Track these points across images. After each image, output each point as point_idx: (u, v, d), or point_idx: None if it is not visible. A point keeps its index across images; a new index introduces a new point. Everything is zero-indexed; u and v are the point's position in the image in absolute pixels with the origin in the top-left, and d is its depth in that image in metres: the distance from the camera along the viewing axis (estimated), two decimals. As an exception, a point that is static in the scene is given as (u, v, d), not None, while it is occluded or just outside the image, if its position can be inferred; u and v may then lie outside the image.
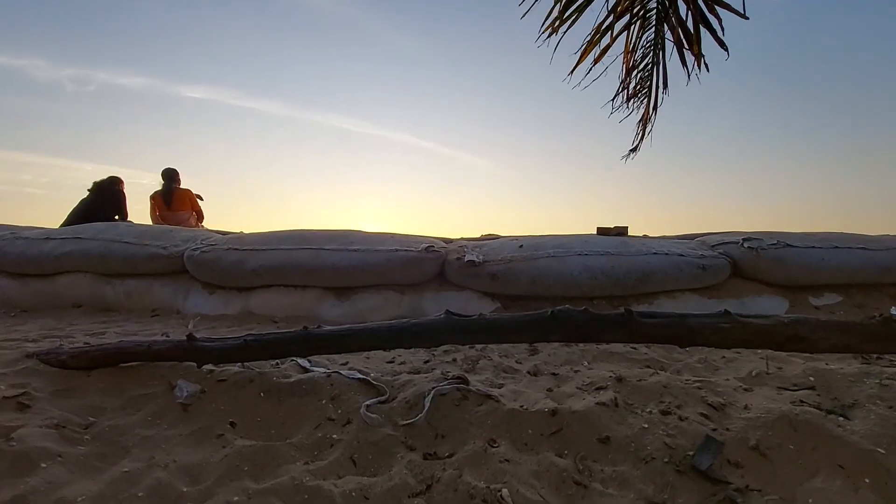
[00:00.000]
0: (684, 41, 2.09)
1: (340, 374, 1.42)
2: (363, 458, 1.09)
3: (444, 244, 2.78)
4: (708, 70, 2.11)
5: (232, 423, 1.23)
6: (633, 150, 2.73)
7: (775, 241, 2.38)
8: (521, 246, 2.49)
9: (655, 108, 2.38)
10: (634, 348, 1.75)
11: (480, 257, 2.37)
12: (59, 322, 2.25)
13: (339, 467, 1.05)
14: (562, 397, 1.32)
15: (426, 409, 1.22)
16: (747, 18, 1.98)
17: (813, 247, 2.35)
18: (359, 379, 1.39)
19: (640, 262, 2.28)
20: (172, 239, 2.76)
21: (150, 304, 2.56)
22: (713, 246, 2.51)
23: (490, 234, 3.80)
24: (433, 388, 1.30)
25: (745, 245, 2.37)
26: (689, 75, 2.17)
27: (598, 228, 2.87)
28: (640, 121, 2.68)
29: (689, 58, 2.13)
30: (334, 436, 1.17)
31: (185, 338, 1.38)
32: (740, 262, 2.38)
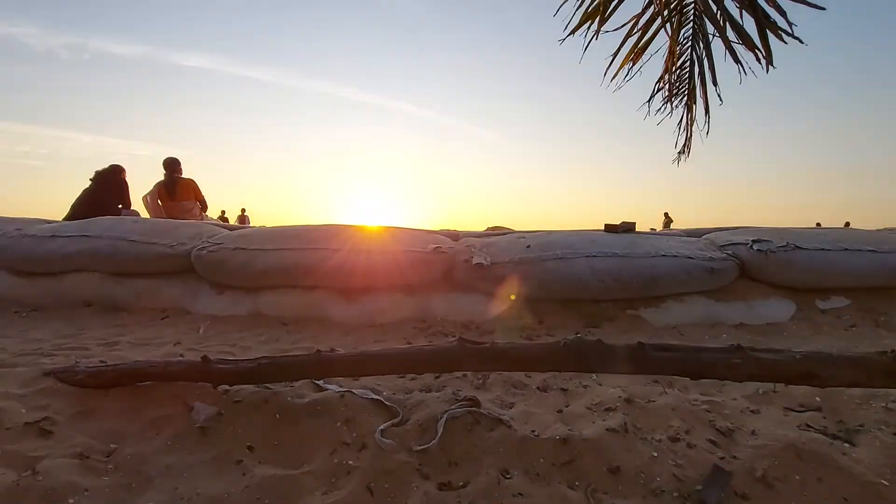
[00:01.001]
0: (738, 37, 1.97)
1: (353, 393, 1.44)
2: (379, 487, 1.12)
3: (452, 241, 2.77)
4: (773, 67, 1.95)
5: (250, 448, 1.26)
6: (682, 152, 2.63)
7: (784, 244, 2.36)
8: (528, 246, 2.48)
9: (707, 108, 2.28)
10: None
11: (488, 259, 2.37)
12: (70, 326, 2.28)
13: (357, 498, 1.08)
14: (572, 419, 1.34)
15: (439, 434, 1.24)
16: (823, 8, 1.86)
17: (822, 249, 2.34)
18: (372, 399, 1.41)
19: (649, 265, 2.28)
20: (178, 236, 2.76)
21: (159, 303, 2.59)
22: (721, 246, 2.50)
23: (496, 227, 3.79)
24: (445, 410, 1.33)
25: (755, 248, 2.36)
26: (744, 72, 2.05)
27: (605, 225, 2.85)
28: (680, 121, 2.58)
29: (745, 54, 2.00)
30: (350, 462, 1.20)
31: (199, 359, 1.40)
32: (748, 263, 2.38)
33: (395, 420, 1.33)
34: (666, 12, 2.11)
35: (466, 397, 1.39)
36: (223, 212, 16.30)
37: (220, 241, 2.67)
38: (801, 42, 1.87)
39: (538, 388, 1.56)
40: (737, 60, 2.05)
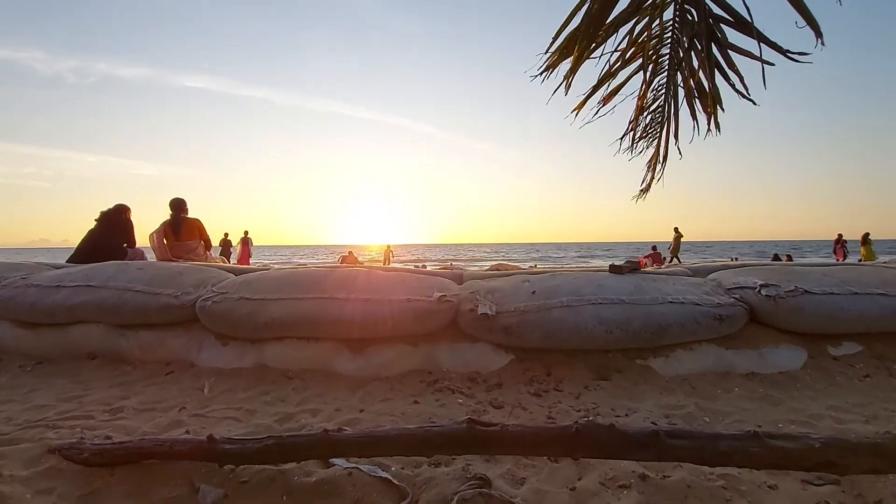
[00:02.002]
0: (696, 94, 2.03)
1: (361, 470, 1.42)
2: (390, 585, 1.09)
3: (456, 285, 2.76)
4: (719, 131, 2.05)
5: (257, 537, 1.23)
6: (644, 190, 2.70)
7: (793, 288, 2.35)
8: (533, 292, 2.47)
9: (665, 155, 2.34)
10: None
11: (493, 308, 2.35)
12: (75, 384, 2.26)
13: None
14: (585, 498, 1.31)
15: (450, 521, 1.22)
16: (773, 64, 1.91)
17: (832, 293, 2.32)
18: (380, 477, 1.39)
19: (656, 313, 2.26)
20: (183, 284, 2.76)
21: (163, 356, 2.57)
22: (728, 289, 2.48)
23: (500, 266, 3.79)
24: (455, 492, 1.30)
25: (763, 293, 2.34)
26: (697, 130, 2.11)
27: (610, 266, 2.83)
28: (649, 161, 2.64)
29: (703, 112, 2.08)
30: (359, 553, 1.17)
31: (205, 438, 1.38)
32: (757, 308, 2.36)
33: (405, 502, 1.30)
34: (640, 60, 2.16)
35: (476, 475, 1.37)
36: (226, 234, 16.53)
37: (224, 289, 2.66)
38: (753, 103, 1.93)
39: (550, 458, 1.53)
40: (694, 117, 2.10)
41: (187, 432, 1.65)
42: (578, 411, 1.87)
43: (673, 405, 1.90)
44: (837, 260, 15.02)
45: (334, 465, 1.44)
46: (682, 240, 16.89)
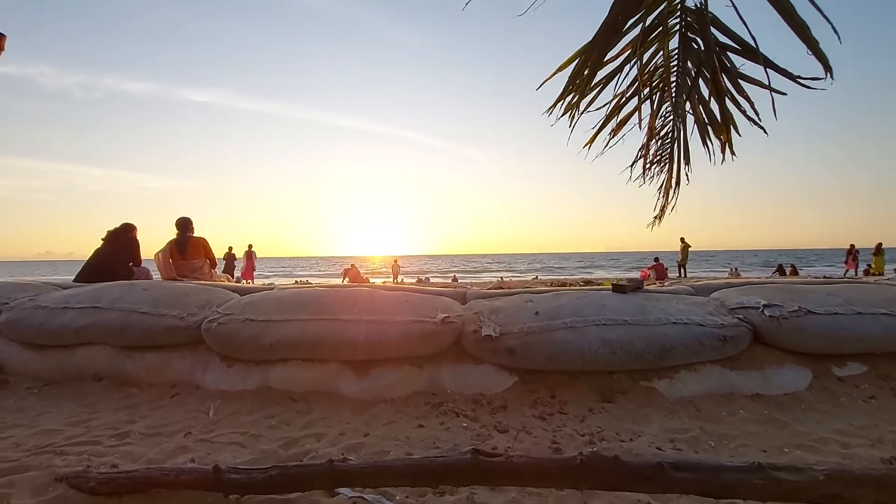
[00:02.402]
0: (707, 120, 2.05)
1: (366, 499, 1.42)
2: None
3: (460, 305, 2.77)
4: (734, 157, 2.06)
5: (262, 569, 1.23)
6: (657, 217, 2.70)
7: (796, 308, 2.35)
8: (537, 313, 2.48)
9: (678, 180, 2.35)
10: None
11: (497, 330, 2.36)
12: (82, 408, 2.28)
13: None
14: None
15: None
16: (784, 94, 1.93)
17: (835, 313, 2.32)
18: (385, 506, 1.39)
19: (660, 334, 2.26)
20: (188, 305, 2.78)
21: (169, 377, 2.59)
22: (732, 309, 2.49)
23: (503, 283, 3.80)
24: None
25: (766, 313, 2.34)
26: (710, 155, 2.13)
27: (613, 285, 2.84)
28: (661, 187, 2.65)
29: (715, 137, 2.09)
30: (364, 586, 1.17)
31: (210, 468, 1.39)
32: (761, 328, 2.36)
33: (410, 533, 1.30)
34: (647, 90, 2.19)
35: (481, 505, 1.37)
36: (230, 248, 16.63)
37: (229, 310, 2.69)
38: (764, 132, 1.94)
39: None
40: (705, 144, 2.12)
41: (193, 460, 1.66)
42: (583, 436, 1.86)
43: (678, 429, 1.90)
44: (848, 270, 15.04)
45: (339, 493, 1.45)
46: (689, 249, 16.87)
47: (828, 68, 1.63)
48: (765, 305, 2.39)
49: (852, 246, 15.27)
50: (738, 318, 2.41)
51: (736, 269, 19.13)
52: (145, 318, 2.68)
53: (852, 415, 2.01)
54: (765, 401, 2.15)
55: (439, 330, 2.41)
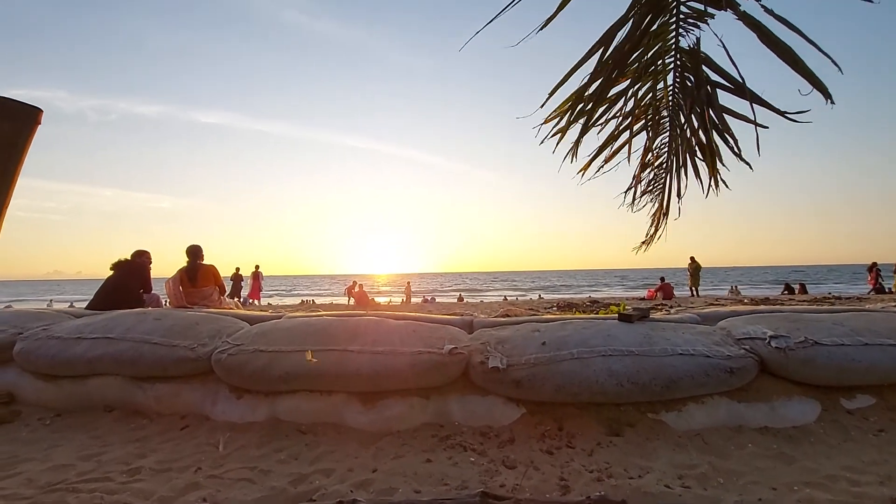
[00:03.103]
0: (700, 156, 2.11)
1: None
2: None
3: (466, 335, 2.80)
4: (726, 187, 2.12)
5: None
6: (645, 242, 2.76)
7: (802, 339, 2.35)
8: (544, 343, 2.50)
9: (667, 211, 2.40)
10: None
11: (504, 361, 2.38)
12: (93, 441, 2.30)
13: None
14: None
15: None
16: (766, 128, 1.99)
17: (842, 344, 2.32)
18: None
19: (666, 365, 2.27)
20: (199, 336, 2.82)
21: (179, 408, 2.61)
22: (738, 339, 2.49)
23: (509, 309, 3.82)
24: (470, 566, 1.31)
25: (773, 345, 2.34)
26: (701, 186, 2.19)
27: (619, 314, 2.86)
28: (653, 214, 2.71)
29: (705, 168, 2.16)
30: None
31: (223, 509, 1.41)
32: (767, 360, 2.36)
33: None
34: (640, 124, 2.26)
35: (490, 547, 1.38)
36: (237, 269, 16.88)
37: (239, 340, 2.72)
38: (749, 167, 2.00)
39: (562, 525, 1.53)
40: (697, 176, 2.18)
41: (204, 499, 1.67)
42: (591, 472, 1.86)
43: (686, 464, 1.89)
44: (871, 286, 15.18)
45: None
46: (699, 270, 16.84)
47: (827, 96, 1.67)
48: (771, 336, 2.40)
49: (874, 264, 15.53)
50: (744, 348, 2.41)
51: (735, 286, 19.08)
52: (157, 349, 2.72)
53: (862, 449, 1.99)
54: (773, 434, 2.15)
55: (447, 361, 2.43)
